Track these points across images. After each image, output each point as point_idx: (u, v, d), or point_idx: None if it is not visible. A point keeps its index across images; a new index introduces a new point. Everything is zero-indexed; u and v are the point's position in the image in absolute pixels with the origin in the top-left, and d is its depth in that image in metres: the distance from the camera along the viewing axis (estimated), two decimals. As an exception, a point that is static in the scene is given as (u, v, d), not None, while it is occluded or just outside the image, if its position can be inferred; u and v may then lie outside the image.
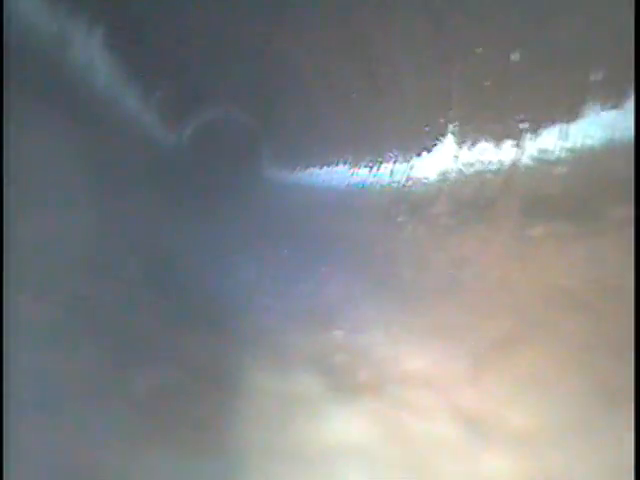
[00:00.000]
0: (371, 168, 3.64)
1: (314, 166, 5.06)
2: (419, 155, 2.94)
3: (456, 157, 2.47)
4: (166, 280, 2.06)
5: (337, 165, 4.39)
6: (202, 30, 4.43)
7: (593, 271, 1.27)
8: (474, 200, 2.08)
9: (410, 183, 2.95)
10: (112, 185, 2.67)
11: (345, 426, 1.07)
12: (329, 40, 3.94)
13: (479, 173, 2.16)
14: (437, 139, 2.76)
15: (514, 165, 1.93)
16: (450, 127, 2.62)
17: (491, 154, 2.14)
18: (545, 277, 1.40)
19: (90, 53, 2.62)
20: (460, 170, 2.36)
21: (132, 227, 2.52)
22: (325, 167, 4.75)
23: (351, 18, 3.49)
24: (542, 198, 1.63)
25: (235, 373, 1.37)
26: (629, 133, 1.50)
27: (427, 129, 2.92)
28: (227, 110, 7.02)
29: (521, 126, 2.00)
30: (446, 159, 2.57)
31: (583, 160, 1.52)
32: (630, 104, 1.51)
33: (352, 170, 4.00)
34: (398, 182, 3.07)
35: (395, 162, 3.28)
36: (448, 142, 2.62)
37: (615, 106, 1.56)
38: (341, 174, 4.20)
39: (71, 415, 0.93)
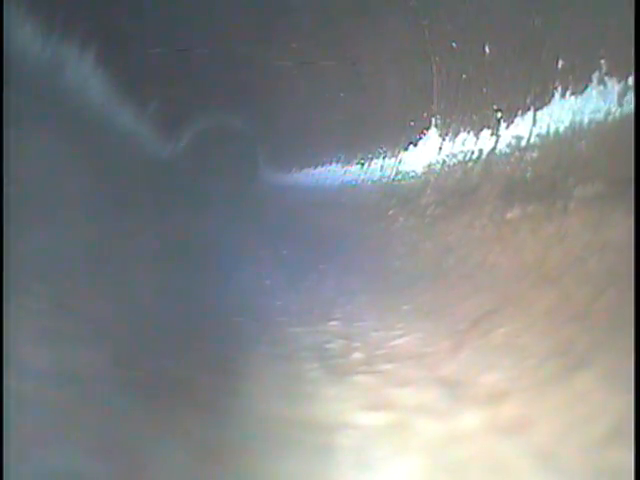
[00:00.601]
0: (362, 165, 3.75)
1: (309, 167, 5.16)
2: (406, 149, 3.04)
3: (440, 149, 2.57)
4: (167, 282, 2.16)
5: (330, 164, 4.50)
6: (191, 40, 4.53)
7: (562, 248, 1.37)
8: (457, 189, 2.19)
9: (399, 177, 3.05)
10: (112, 195, 2.78)
11: (339, 402, 1.17)
12: (315, 43, 4.04)
13: (461, 163, 2.27)
14: (422, 133, 2.86)
15: (492, 153, 2.03)
16: (433, 120, 2.72)
17: (471, 144, 2.24)
18: (520, 257, 1.50)
19: (84, 73, 2.74)
20: (444, 161, 2.46)
21: (132, 232, 2.61)
22: (319, 167, 4.85)
23: (335, 22, 3.59)
24: (517, 182, 1.73)
25: (239, 363, 1.47)
26: (593, 116, 1.60)
27: (412, 124, 3.02)
28: (221, 117, 7.12)
29: (497, 115, 2.10)
30: (431, 151, 2.67)
31: (550, 144, 1.62)
32: (591, 90, 1.61)
33: (344, 168, 4.11)
34: (388, 177, 3.18)
35: (384, 157, 3.38)
36: (432, 135, 2.72)
37: (578, 91, 1.66)
38: (334, 173, 4.30)
39: (71, 415, 0.95)
